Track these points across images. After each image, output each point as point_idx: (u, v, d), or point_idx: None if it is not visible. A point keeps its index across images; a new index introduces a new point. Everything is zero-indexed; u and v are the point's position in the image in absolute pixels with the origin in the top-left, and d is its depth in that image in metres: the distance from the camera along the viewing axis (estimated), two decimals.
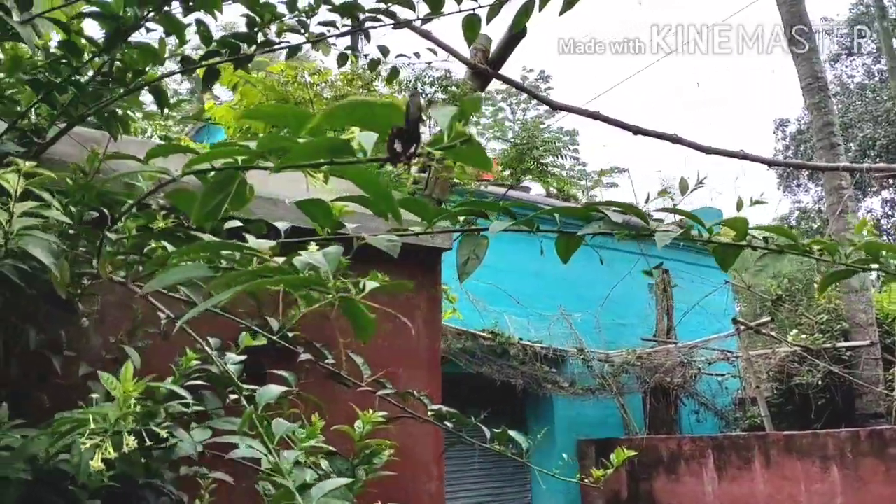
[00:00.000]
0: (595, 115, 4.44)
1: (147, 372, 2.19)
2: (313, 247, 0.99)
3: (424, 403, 2.56)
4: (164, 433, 1.61)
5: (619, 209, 1.58)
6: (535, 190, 12.15)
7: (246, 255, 1.04)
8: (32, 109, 2.06)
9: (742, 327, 10.28)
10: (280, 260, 1.07)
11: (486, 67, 4.05)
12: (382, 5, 2.30)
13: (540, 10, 2.39)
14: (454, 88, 3.84)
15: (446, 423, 2.58)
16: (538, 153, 4.14)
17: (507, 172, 4.72)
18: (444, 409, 2.55)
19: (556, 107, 4.17)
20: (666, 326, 11.93)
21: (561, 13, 2.41)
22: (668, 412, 11.53)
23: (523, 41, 4.08)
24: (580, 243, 1.67)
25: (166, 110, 3.98)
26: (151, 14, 1.86)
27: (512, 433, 2.55)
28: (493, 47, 4.09)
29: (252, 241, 1.08)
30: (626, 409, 11.03)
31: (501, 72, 4.31)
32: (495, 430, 2.51)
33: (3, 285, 1.82)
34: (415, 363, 3.26)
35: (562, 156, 4.39)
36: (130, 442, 1.20)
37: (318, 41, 2.24)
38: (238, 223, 1.75)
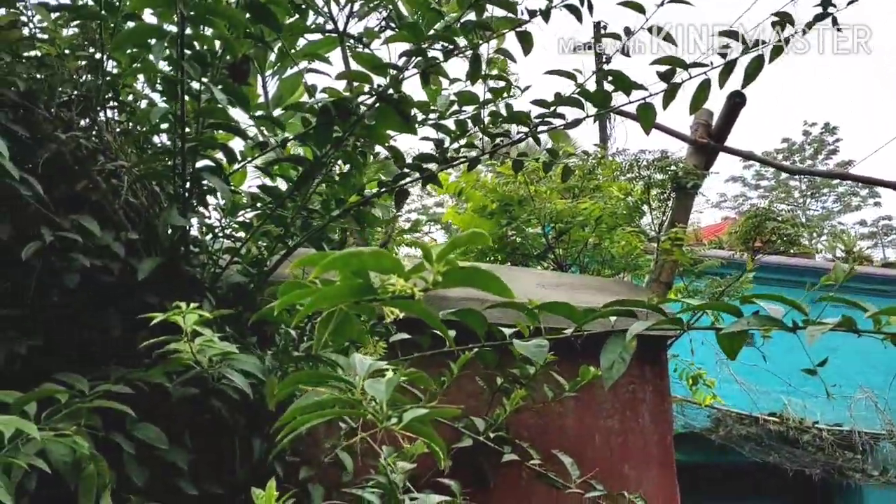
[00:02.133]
0: (843, 176, 4.07)
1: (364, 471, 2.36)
2: (389, 373, 1.04)
3: None
4: None
5: (775, 301, 1.44)
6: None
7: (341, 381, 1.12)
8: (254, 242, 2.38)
9: None
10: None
11: (708, 141, 3.90)
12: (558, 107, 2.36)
13: (721, 87, 2.29)
14: (673, 168, 3.73)
15: None
16: (775, 224, 3.83)
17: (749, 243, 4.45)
18: None
19: (792, 171, 3.89)
20: None
21: (743, 87, 2.29)
22: None
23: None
24: (744, 341, 1.54)
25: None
26: (332, 152, 2.09)
27: None
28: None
29: (358, 361, 1.15)
30: None
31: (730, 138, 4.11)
32: None
33: (224, 400, 2.10)
34: (644, 460, 3.11)
35: (801, 225, 3.99)
36: None
37: (493, 152, 2.34)
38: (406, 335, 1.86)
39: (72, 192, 2.01)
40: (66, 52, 2.15)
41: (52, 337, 1.92)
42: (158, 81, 2.18)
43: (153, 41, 1.82)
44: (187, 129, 2.10)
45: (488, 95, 2.44)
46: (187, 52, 1.83)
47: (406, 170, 2.45)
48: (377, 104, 1.98)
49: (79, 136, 1.98)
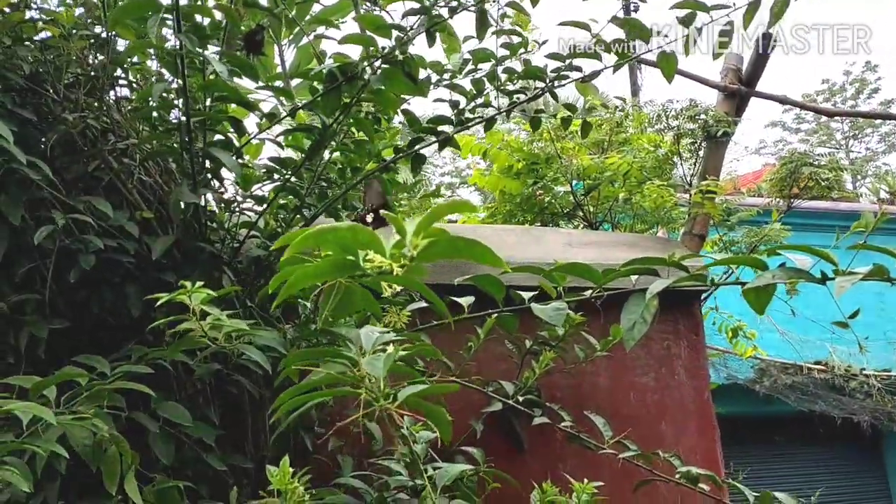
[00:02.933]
0: (883, 116, 3.91)
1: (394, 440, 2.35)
2: (390, 348, 1.01)
3: (673, 464, 2.38)
4: None
5: (803, 251, 1.37)
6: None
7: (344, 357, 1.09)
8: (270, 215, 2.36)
9: None
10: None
11: (738, 87, 3.76)
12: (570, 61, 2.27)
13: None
14: (703, 116, 3.61)
15: (700, 486, 2.37)
16: (812, 169, 3.69)
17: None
18: (695, 470, 2.35)
19: (829, 113, 3.74)
20: None
21: (769, 27, 2.18)
22: None
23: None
24: (771, 295, 1.47)
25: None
26: (342, 119, 2.04)
27: (779, 495, 2.27)
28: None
29: (364, 335, 1.12)
30: None
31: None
32: (756, 493, 2.26)
33: (248, 375, 2.09)
34: (681, 416, 3.05)
35: (841, 168, 3.83)
36: None
37: (510, 110, 2.27)
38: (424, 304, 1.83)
39: (84, 173, 1.99)
40: (73, 31, 2.12)
41: (72, 319, 1.93)
42: (163, 56, 2.15)
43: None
44: (198, 105, 2.06)
45: (505, 52, 2.36)
46: (186, 24, 1.79)
47: (421, 134, 2.39)
48: (384, 67, 1.92)
49: (86, 117, 1.95)
